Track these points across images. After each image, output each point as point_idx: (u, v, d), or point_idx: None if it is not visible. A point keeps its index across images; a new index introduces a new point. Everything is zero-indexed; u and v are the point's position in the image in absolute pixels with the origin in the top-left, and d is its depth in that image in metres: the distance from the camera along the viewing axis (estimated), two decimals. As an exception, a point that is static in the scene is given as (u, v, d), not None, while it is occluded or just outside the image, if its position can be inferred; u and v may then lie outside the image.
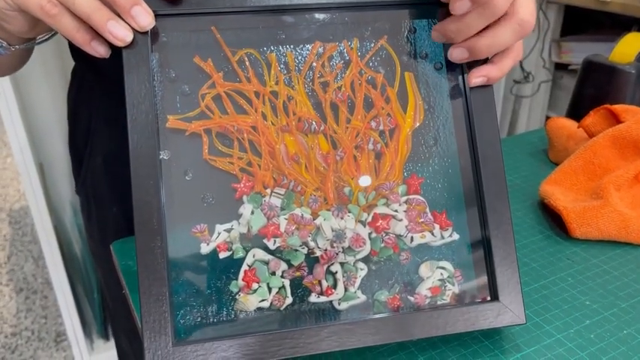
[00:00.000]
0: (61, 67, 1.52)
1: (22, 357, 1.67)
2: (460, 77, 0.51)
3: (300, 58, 0.49)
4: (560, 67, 1.96)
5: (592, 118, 0.74)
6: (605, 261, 0.60)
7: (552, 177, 0.70)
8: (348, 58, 0.49)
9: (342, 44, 0.49)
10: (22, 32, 0.49)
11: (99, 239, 0.85)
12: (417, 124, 0.50)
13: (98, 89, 0.77)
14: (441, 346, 0.49)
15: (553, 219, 0.67)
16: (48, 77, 1.43)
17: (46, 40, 0.53)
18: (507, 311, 0.48)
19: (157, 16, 0.46)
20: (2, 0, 0.45)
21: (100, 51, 0.45)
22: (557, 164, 0.76)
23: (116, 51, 0.46)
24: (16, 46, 0.52)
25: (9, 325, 1.78)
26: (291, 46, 0.49)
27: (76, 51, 0.76)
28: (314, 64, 0.49)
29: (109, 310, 0.98)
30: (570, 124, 0.78)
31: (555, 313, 0.53)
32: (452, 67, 0.51)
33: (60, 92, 1.51)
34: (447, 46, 0.50)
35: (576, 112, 0.83)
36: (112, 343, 1.55)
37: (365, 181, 0.49)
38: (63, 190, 1.50)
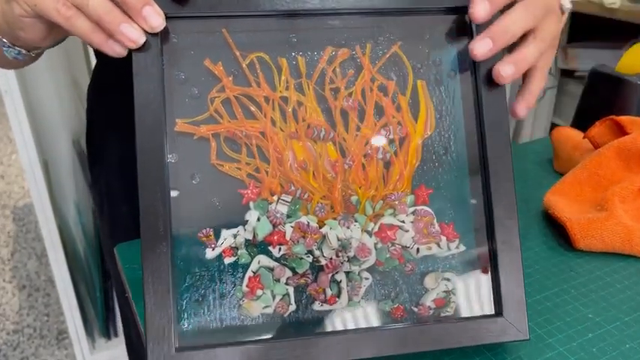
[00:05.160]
0: (66, 65, 1.52)
1: (23, 354, 1.68)
2: (474, 86, 0.50)
3: (311, 63, 0.48)
4: (566, 74, 1.96)
5: (597, 129, 0.74)
6: (608, 273, 0.60)
7: (557, 187, 0.70)
8: (359, 64, 0.49)
9: (355, 50, 0.49)
10: (35, 41, 0.50)
11: (109, 235, 0.86)
12: (428, 134, 0.50)
13: (118, 87, 0.77)
14: (443, 357, 0.49)
15: (557, 230, 0.67)
16: (54, 75, 1.44)
17: (59, 42, 0.54)
18: (511, 327, 0.48)
19: (167, 18, 0.45)
20: (19, 7, 0.45)
21: (117, 50, 0.45)
22: (561, 174, 0.76)
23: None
24: (35, 52, 0.54)
25: (11, 322, 1.79)
26: (303, 51, 0.48)
27: (97, 49, 0.78)
28: (325, 69, 0.48)
29: (120, 304, 0.99)
30: (576, 135, 0.78)
31: (558, 326, 0.53)
32: (465, 76, 0.50)
33: (65, 90, 1.51)
34: (460, 54, 0.49)
35: (582, 122, 0.83)
36: (113, 341, 1.55)
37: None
38: (67, 189, 1.50)
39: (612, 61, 0.86)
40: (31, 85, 1.33)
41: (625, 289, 0.58)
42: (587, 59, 1.85)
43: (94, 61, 0.88)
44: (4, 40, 0.51)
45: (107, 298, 1.50)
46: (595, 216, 0.63)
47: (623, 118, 0.72)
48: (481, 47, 0.47)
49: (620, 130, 0.72)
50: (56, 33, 0.49)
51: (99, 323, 1.54)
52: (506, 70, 0.48)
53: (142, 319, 0.54)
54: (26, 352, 1.68)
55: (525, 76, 0.52)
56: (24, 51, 0.52)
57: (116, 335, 1.55)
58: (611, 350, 0.50)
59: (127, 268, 0.61)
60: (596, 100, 0.84)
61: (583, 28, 1.87)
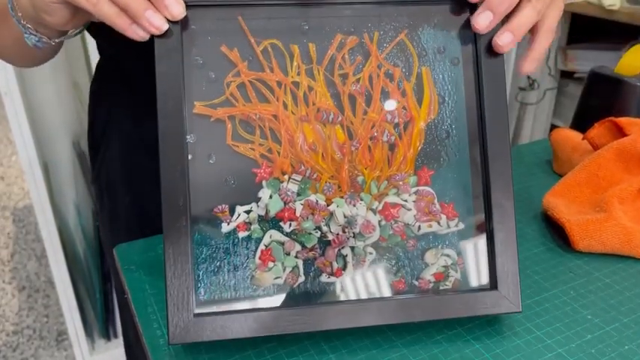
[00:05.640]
0: (66, 67, 1.52)
1: (23, 355, 1.68)
2: (475, 72, 0.52)
3: (321, 49, 0.50)
4: (566, 75, 1.96)
5: (597, 130, 0.74)
6: (607, 274, 0.60)
7: (556, 189, 0.70)
8: (367, 51, 0.51)
9: (363, 37, 0.51)
10: (60, 24, 0.51)
11: (109, 228, 0.87)
12: (431, 118, 0.52)
13: (120, 84, 0.79)
14: (442, 358, 0.50)
15: (556, 231, 0.67)
16: (54, 76, 1.44)
17: (78, 33, 0.56)
18: (504, 300, 0.51)
19: (187, 6, 0.47)
20: None
21: (140, 34, 0.47)
22: (561, 175, 0.76)
23: (145, 42, 0.48)
24: (55, 40, 0.55)
25: (11, 324, 1.79)
26: (314, 38, 0.50)
27: (101, 45, 0.78)
28: (334, 55, 0.50)
29: (119, 302, 0.99)
30: (575, 136, 0.78)
31: (557, 327, 0.53)
32: (468, 62, 0.52)
33: (65, 92, 1.51)
34: (464, 42, 0.51)
35: (581, 123, 0.83)
36: (113, 343, 1.55)
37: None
38: (67, 190, 1.50)
39: (612, 63, 0.86)
40: (31, 86, 1.33)
41: (624, 291, 0.58)
42: (586, 61, 1.84)
43: (94, 62, 0.89)
44: (29, 25, 0.53)
45: (107, 300, 1.50)
46: (594, 217, 0.63)
47: (623, 120, 0.72)
48: (482, 20, 0.49)
49: (620, 132, 0.72)
50: (79, 18, 0.51)
51: (98, 324, 1.54)
52: (503, 39, 0.49)
53: (140, 319, 0.54)
54: (26, 353, 1.68)
55: (531, 34, 0.52)
56: (45, 38, 0.54)
57: (116, 336, 1.56)
58: (610, 352, 0.50)
59: (126, 269, 0.61)
60: (595, 102, 0.84)
61: (582, 30, 1.87)
